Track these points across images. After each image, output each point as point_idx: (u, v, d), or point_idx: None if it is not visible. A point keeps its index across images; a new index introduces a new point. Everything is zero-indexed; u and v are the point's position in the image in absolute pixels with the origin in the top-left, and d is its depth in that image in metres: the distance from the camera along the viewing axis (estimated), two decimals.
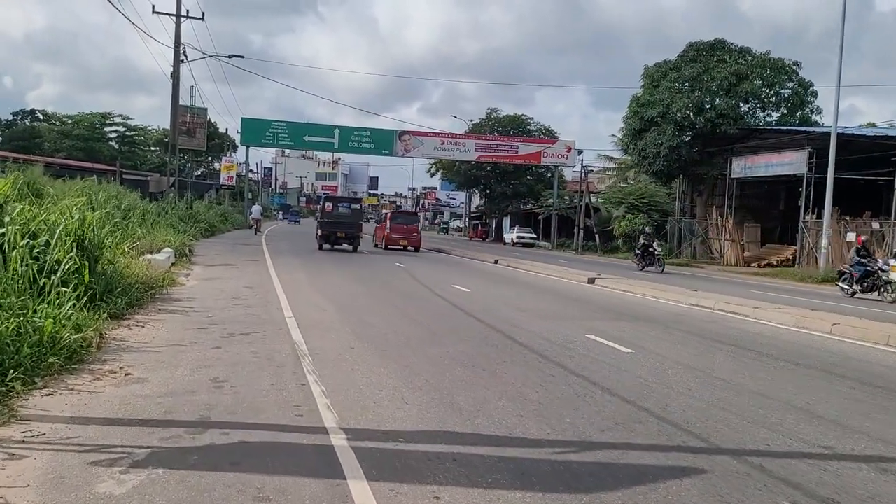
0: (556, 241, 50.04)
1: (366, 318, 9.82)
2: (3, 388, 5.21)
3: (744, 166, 33.95)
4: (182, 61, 29.19)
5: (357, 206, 28.81)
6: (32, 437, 4.39)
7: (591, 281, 16.79)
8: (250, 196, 58.42)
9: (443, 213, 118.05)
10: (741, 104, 35.20)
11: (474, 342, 8.25)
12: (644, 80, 37.26)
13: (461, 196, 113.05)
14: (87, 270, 8.47)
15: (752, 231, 37.40)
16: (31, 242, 7.98)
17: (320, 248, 25.99)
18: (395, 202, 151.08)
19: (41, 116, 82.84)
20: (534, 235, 51.18)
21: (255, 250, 23.83)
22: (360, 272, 17.51)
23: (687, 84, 34.23)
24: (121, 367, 6.19)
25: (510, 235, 51.62)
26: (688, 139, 35.67)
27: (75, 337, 6.41)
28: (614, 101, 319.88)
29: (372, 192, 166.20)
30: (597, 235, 46.31)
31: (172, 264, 15.01)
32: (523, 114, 58.01)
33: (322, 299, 11.65)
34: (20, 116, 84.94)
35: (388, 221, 31.28)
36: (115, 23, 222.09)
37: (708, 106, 34.84)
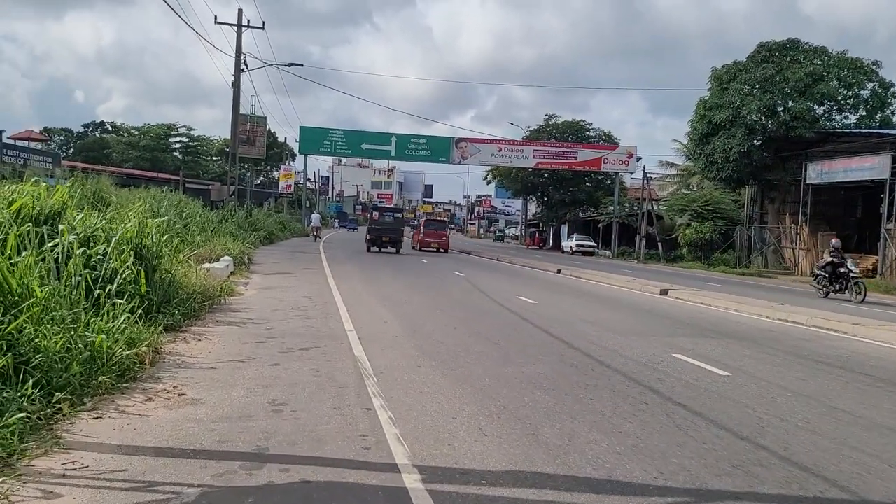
0: (617, 250, 48.64)
1: (430, 331, 9.23)
2: (49, 411, 4.81)
3: (820, 171, 32.16)
4: (243, 70, 29.39)
5: (399, 215, 33.26)
6: (74, 469, 3.93)
7: (664, 292, 15.83)
8: (308, 205, 58.91)
9: (497, 221, 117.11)
10: (815, 106, 33.42)
11: (550, 361, 7.56)
12: (711, 82, 35.82)
13: (516, 204, 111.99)
14: (143, 280, 8.15)
15: (826, 240, 35.38)
16: (88, 251, 7.68)
17: (368, 250, 29.31)
18: (448, 209, 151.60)
19: (110, 128, 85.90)
20: (593, 244, 49.88)
21: (314, 258, 23.62)
22: (420, 281, 16.98)
23: (758, 86, 32.66)
24: (174, 387, 5.75)
25: (569, 244, 50.44)
26: (758, 143, 34.06)
27: (128, 353, 6.01)
28: (672, 107, 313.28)
29: (426, 199, 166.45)
30: (659, 244, 44.79)
31: (231, 273, 14.78)
32: (582, 119, 56.83)
33: (383, 310, 11.13)
34: (91, 128, 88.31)
35: (421, 227, 35.62)
36: (179, 38, 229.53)
37: (780, 108, 33.22)
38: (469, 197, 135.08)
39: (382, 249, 29.27)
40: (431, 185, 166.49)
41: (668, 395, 6.23)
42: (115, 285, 7.47)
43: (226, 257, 14.91)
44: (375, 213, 31.85)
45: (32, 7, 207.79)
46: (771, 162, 34.43)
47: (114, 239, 8.03)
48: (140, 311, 7.51)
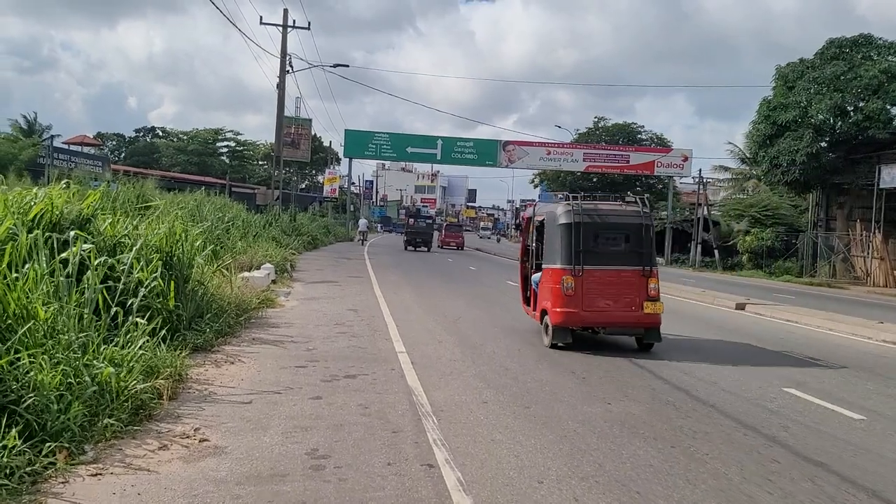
0: (670, 257, 46.75)
1: (491, 354, 8.12)
2: (38, 466, 3.86)
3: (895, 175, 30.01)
4: (287, 72, 28.78)
5: (430, 220, 42.80)
6: None
7: (741, 307, 14.39)
8: (352, 209, 58.44)
9: None
10: (889, 106, 31.22)
11: (640, 396, 6.37)
12: (776, 81, 33.84)
13: None
14: (172, 293, 7.25)
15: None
16: (110, 260, 6.79)
17: (405, 248, 35.99)
18: (492, 214, 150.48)
19: (160, 133, 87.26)
20: None
21: (359, 266, 22.74)
22: (472, 292, 15.89)
23: (828, 84, 30.64)
24: (196, 429, 4.75)
25: None
26: (826, 145, 31.99)
27: (143, 386, 5.05)
28: (720, 110, 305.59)
29: (470, 204, 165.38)
30: (716, 251, 42.80)
31: (273, 281, 13.95)
32: (633, 122, 54.88)
33: (435, 326, 10.06)
34: (142, 133, 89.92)
35: (443, 230, 46.20)
36: (227, 46, 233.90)
37: (851, 109, 31.12)
38: (513, 202, 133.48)
39: (417, 248, 35.94)
40: (475, 190, 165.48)
41: (799, 450, 4.99)
42: (138, 299, 6.60)
43: (267, 265, 14.08)
44: (411, 220, 40.17)
45: (87, 16, 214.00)
46: (840, 165, 32.31)
47: (136, 246, 7.12)
48: (165, 329, 6.61)
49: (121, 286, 6.44)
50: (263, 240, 19.07)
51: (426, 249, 36.18)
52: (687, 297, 16.87)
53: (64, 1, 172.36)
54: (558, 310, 8.36)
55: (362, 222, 44.78)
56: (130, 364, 5.23)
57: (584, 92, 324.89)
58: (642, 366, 7.85)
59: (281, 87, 27.98)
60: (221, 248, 13.52)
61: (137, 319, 6.08)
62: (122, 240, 7.72)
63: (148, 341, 5.83)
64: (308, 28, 29.75)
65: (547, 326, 8.61)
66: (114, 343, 5.51)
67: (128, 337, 5.77)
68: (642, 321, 8.55)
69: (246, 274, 11.38)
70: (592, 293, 8.38)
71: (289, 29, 28.95)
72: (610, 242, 8.78)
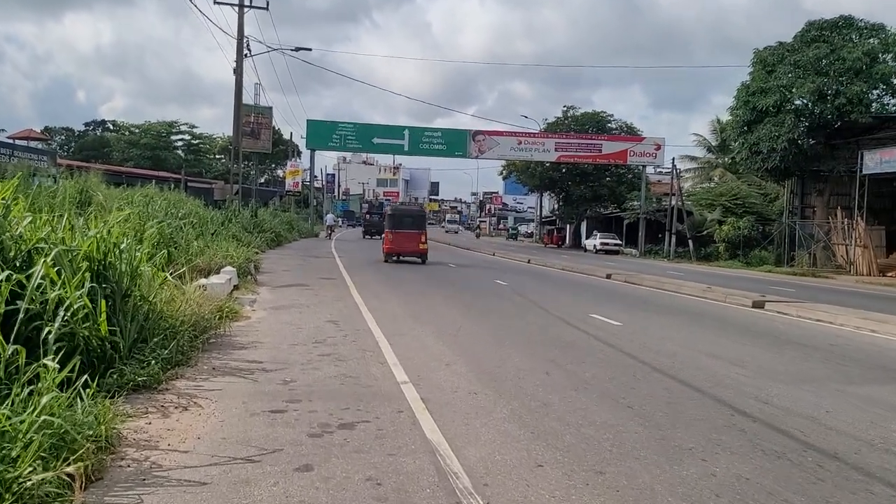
0: (643, 248, 45.83)
1: (516, 381, 6.51)
2: None
3: (879, 161, 29.24)
4: (245, 56, 26.69)
5: (381, 213, 45.52)
6: None
7: (758, 305, 13.07)
8: (315, 203, 56.27)
9: (506, 219, 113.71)
10: (871, 89, 30.50)
11: (738, 447, 4.80)
12: (754, 65, 32.91)
13: (528, 200, 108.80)
14: (103, 316, 5.48)
15: (875, 235, 32.63)
16: (16, 276, 4.99)
17: (363, 237, 43.56)
18: (455, 207, 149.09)
19: (111, 127, 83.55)
20: (619, 242, 46.94)
21: (329, 264, 20.94)
22: (462, 296, 14.25)
23: (810, 68, 29.75)
24: None
25: (592, 242, 47.50)
26: (806, 130, 31.13)
27: (43, 477, 3.31)
28: (675, 101, 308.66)
29: (433, 197, 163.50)
30: (690, 241, 41.94)
31: (235, 287, 12.14)
32: (602, 111, 53.71)
33: (435, 342, 8.42)
34: (91, 127, 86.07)
35: (389, 226, 46.61)
36: (180, 37, 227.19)
37: (830, 92, 30.25)
38: (477, 194, 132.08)
39: (373, 237, 41.29)
40: (437, 183, 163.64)
41: None
42: (56, 326, 4.84)
43: (227, 268, 12.24)
44: (367, 216, 49.57)
45: (33, 9, 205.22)
46: (820, 151, 31.57)
47: (51, 255, 5.33)
48: (93, 368, 4.85)
49: (23, 311, 4.65)
50: (223, 238, 17.14)
51: (380, 237, 36.10)
52: (692, 294, 15.52)
53: None
54: (385, 247, 21.82)
55: (329, 217, 48.20)
56: (27, 437, 3.48)
57: (541, 83, 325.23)
58: (707, 392, 6.33)
59: (238, 71, 25.89)
60: (175, 249, 11.65)
61: (46, 362, 4.30)
62: (41, 245, 5.91)
63: (59, 395, 4.06)
64: (266, 8, 27.66)
65: (383, 254, 21.63)
66: (5, 404, 3.74)
67: (30, 389, 4.01)
68: (418, 251, 21.59)
69: (203, 281, 9.56)
70: (398, 240, 21.35)
71: (245, 8, 26.82)
72: (406, 221, 22.07)
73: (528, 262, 27.91)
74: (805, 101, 29.77)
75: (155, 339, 6.40)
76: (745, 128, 32.68)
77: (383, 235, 24.02)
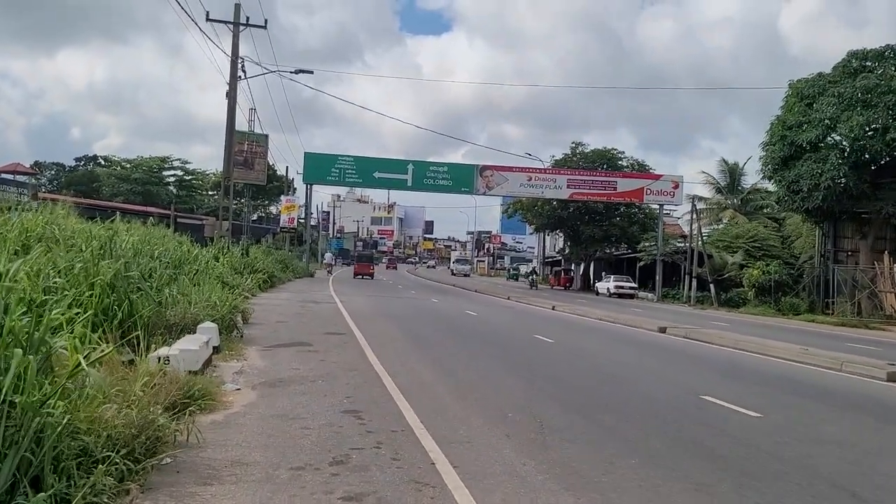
0: (661, 293, 42.96)
1: None
2: None
3: None
4: (240, 78, 24.05)
5: (370, 254, 61.34)
6: None
7: (893, 378, 10.10)
8: (309, 241, 53.54)
9: (503, 258, 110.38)
10: None
11: None
12: (790, 98, 30.53)
13: (528, 240, 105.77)
14: None
15: None
16: None
17: (354, 277, 46.61)
18: (449, 246, 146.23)
19: (102, 162, 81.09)
20: (634, 285, 44.04)
21: (331, 311, 17.93)
22: (512, 357, 11.25)
23: (857, 100, 27.29)
24: None
25: (605, 285, 44.55)
26: (850, 168, 28.54)
27: None
28: (663, 144, 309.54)
29: (427, 236, 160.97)
30: (711, 286, 39.04)
31: (215, 349, 9.13)
32: (613, 147, 51.34)
33: (518, 456, 5.40)
34: (83, 163, 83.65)
35: (354, 261, 60.57)
36: (175, 76, 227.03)
37: (877, 126, 27.74)
38: (473, 233, 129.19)
39: (364, 277, 46.24)
40: (432, 222, 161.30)
41: None
42: None
43: (207, 324, 9.24)
44: (356, 258, 58.85)
45: (26, 47, 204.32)
46: (866, 191, 29.00)
47: None
48: None
49: None
50: (208, 282, 14.14)
51: (370, 278, 46.85)
52: (788, 358, 12.37)
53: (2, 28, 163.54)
54: (354, 272, 48.89)
55: (328, 256, 53.62)
56: None
57: (531, 126, 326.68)
58: None
59: (232, 94, 23.19)
60: (140, 297, 8.58)
61: None
62: None
63: None
64: (265, 27, 25.14)
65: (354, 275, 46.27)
66: None
67: None
68: (369, 273, 47.63)
69: (164, 351, 6.54)
70: (360, 268, 48.74)
71: (241, 27, 24.28)
72: (364, 257, 53.57)
73: (553, 308, 24.88)
74: (852, 135, 27.22)
75: (51, 483, 3.43)
76: (781, 164, 30.17)
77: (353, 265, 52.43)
